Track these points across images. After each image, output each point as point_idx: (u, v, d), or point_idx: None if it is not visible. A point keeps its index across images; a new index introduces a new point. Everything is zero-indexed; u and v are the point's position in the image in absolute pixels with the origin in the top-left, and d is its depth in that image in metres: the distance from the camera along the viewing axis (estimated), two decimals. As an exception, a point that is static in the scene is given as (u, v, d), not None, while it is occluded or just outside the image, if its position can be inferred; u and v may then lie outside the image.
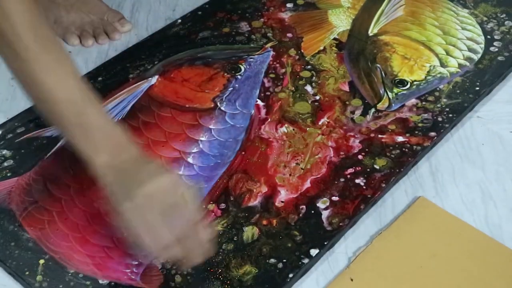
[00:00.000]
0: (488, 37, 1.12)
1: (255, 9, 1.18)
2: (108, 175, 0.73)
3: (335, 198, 0.88)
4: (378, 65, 1.07)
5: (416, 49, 1.10)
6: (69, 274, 0.80)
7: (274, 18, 1.17)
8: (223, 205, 0.87)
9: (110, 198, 0.73)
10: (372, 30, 1.14)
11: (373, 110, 1.00)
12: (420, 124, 0.97)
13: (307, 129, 0.97)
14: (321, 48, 1.11)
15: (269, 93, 1.03)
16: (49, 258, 0.82)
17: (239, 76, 1.05)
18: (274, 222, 0.85)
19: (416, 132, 0.96)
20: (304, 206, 0.87)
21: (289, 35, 1.13)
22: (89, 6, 1.15)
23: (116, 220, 0.74)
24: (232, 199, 0.88)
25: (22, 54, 0.73)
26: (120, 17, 1.17)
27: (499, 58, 1.08)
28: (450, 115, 0.99)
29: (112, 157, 0.73)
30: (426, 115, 0.99)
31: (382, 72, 1.06)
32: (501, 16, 1.16)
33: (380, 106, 1.01)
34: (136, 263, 0.81)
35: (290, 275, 0.80)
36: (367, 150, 0.94)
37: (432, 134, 0.96)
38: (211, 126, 0.97)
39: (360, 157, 0.93)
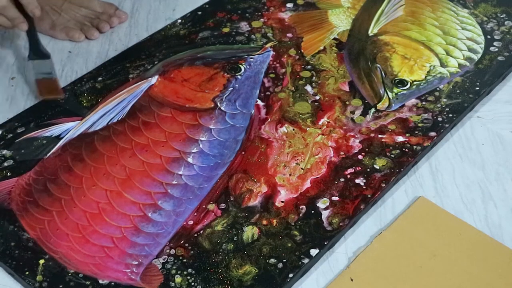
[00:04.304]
0: (488, 37, 1.12)
1: (255, 9, 1.18)
2: None
3: (335, 198, 0.88)
4: (378, 65, 1.07)
5: (416, 49, 1.10)
6: (69, 274, 0.80)
7: (274, 18, 1.17)
8: (223, 205, 0.87)
9: None
10: (372, 30, 1.14)
11: (373, 110, 1.00)
12: (420, 124, 0.98)
13: (307, 129, 0.97)
14: (321, 48, 1.11)
15: (269, 93, 1.03)
16: (49, 258, 0.82)
17: (239, 76, 1.05)
18: (274, 222, 0.86)
19: (416, 132, 0.96)
20: (304, 206, 0.87)
21: (289, 35, 1.13)
22: (78, 1, 1.16)
23: None
24: (232, 199, 0.88)
25: None
26: (115, 8, 1.19)
27: (499, 58, 1.08)
28: (450, 115, 0.99)
29: None
30: (426, 115, 0.99)
31: (382, 72, 1.06)
32: (501, 16, 1.16)
33: (380, 106, 1.01)
34: (136, 263, 0.81)
35: (290, 275, 0.80)
36: (367, 150, 0.94)
37: (432, 134, 0.96)
38: (211, 126, 0.97)
39: (360, 157, 0.93)
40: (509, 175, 0.93)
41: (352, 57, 1.09)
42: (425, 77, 1.05)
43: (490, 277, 0.80)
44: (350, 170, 0.91)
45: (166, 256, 0.82)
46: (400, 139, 0.96)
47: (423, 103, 1.01)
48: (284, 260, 0.81)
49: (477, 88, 1.03)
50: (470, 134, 0.99)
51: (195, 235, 0.84)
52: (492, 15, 1.17)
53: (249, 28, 1.14)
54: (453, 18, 1.16)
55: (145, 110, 0.99)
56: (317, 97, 1.02)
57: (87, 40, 1.15)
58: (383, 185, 0.89)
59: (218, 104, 1.00)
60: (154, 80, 1.04)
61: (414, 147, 0.94)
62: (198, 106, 1.00)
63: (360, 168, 0.92)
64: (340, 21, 1.16)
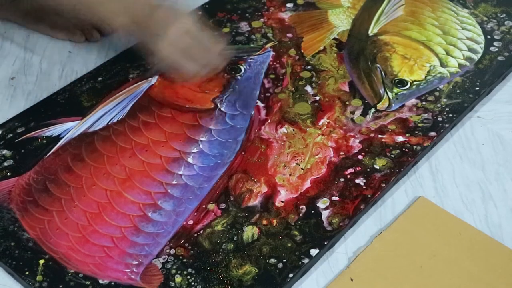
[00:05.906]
0: (488, 37, 1.12)
1: (255, 9, 1.18)
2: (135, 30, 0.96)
3: (335, 198, 0.88)
4: (378, 65, 1.07)
5: (416, 49, 1.10)
6: (69, 274, 0.80)
7: (274, 18, 1.17)
8: (223, 205, 0.87)
9: (148, 46, 0.97)
10: (372, 30, 1.14)
11: (373, 110, 1.00)
12: (420, 124, 0.97)
13: (307, 129, 0.97)
14: (321, 48, 1.11)
15: (269, 94, 1.03)
16: (49, 258, 0.82)
17: (239, 77, 1.05)
18: (274, 222, 0.86)
19: (416, 132, 0.96)
20: (304, 206, 0.87)
21: (289, 35, 1.13)
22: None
23: (159, 61, 0.98)
24: (232, 199, 0.88)
25: None
26: None
27: (499, 58, 1.08)
28: (450, 115, 0.99)
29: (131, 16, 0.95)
30: (426, 115, 0.99)
31: (382, 72, 1.06)
32: (501, 16, 1.16)
33: (380, 106, 1.01)
34: (136, 262, 0.81)
35: (290, 275, 0.80)
36: (367, 150, 0.94)
37: (432, 134, 0.96)
38: (211, 127, 0.97)
39: (360, 157, 0.93)
40: (509, 175, 0.93)
41: (352, 57, 1.09)
42: (425, 77, 1.05)
43: (490, 277, 0.80)
44: (350, 170, 0.91)
45: (166, 256, 0.82)
46: (400, 139, 0.96)
47: (423, 103, 1.01)
48: (284, 260, 0.81)
49: (477, 88, 1.03)
50: (470, 134, 0.99)
51: (195, 235, 0.84)
52: (492, 15, 1.17)
53: (249, 28, 1.14)
54: (453, 18, 1.16)
55: (145, 110, 0.99)
56: (317, 98, 1.02)
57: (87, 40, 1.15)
58: (383, 185, 0.89)
59: (218, 105, 1.00)
60: (154, 80, 1.04)
61: (414, 147, 0.94)
62: (198, 107, 1.00)
63: (360, 168, 0.92)
64: (340, 21, 1.16)
